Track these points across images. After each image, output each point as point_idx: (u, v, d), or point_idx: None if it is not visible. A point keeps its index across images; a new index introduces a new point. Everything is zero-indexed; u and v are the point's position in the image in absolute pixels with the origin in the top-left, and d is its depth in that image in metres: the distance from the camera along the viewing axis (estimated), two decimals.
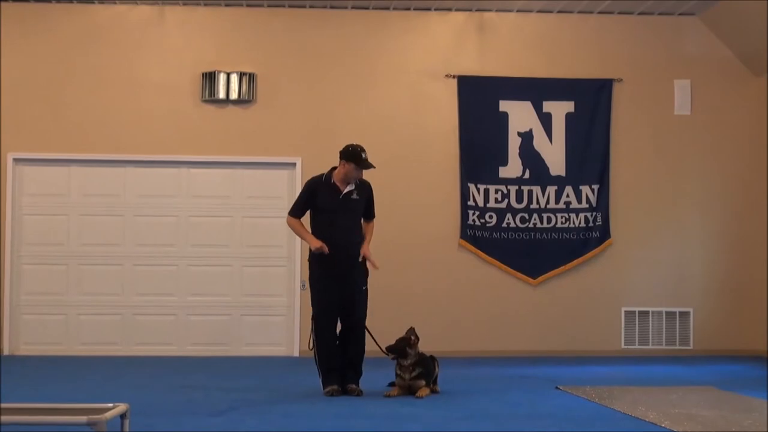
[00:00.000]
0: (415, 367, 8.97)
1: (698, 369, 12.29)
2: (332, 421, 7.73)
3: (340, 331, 9.43)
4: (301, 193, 9.80)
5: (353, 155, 9.29)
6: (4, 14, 13.88)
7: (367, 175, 9.65)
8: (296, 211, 9.57)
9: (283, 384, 10.48)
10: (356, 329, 9.38)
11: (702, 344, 14.40)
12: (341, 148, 9.50)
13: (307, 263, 9.73)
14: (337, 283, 9.26)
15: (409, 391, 8.96)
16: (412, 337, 9.06)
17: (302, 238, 9.80)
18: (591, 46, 14.51)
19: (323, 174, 9.52)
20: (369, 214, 9.69)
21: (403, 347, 9.01)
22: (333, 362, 9.21)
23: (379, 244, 14.45)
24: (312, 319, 9.41)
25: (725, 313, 14.50)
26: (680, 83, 14.61)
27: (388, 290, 13.85)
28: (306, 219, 9.70)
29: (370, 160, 9.41)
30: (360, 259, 9.34)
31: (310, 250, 9.39)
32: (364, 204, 9.55)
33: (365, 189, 9.61)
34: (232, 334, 14.10)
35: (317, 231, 9.38)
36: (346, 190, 9.37)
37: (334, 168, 9.47)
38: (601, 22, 14.50)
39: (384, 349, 9.10)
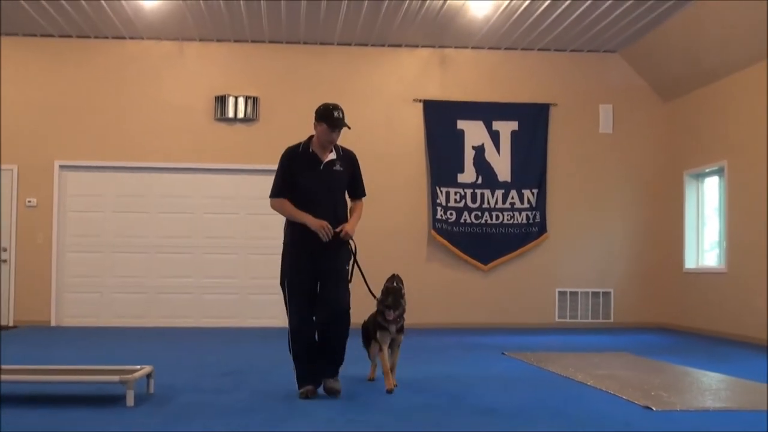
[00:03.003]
0: (399, 318, 6.94)
1: (617, 338, 12.34)
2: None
3: (321, 319, 6.73)
4: (277, 168, 6.88)
5: (324, 114, 6.71)
6: (56, 47, 13.88)
7: None
8: (277, 191, 6.83)
9: (281, 350, 10.44)
10: (337, 316, 6.66)
11: (620, 318, 14.50)
12: None
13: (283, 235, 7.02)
14: (315, 266, 6.68)
15: (393, 343, 7.00)
16: (402, 288, 7.04)
17: (295, 218, 6.72)
18: (531, 76, 14.57)
19: (300, 142, 6.89)
20: (356, 191, 6.99)
21: (398, 300, 6.90)
22: (310, 357, 6.70)
23: (365, 235, 14.40)
24: (285, 304, 6.98)
25: (639, 294, 14.62)
26: (604, 107, 14.68)
27: (369, 274, 13.79)
28: None
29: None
30: (342, 235, 6.62)
31: (285, 229, 6.90)
32: (348, 177, 6.87)
33: (349, 160, 6.91)
34: (239, 309, 14.11)
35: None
36: (326, 159, 6.75)
37: (312, 136, 6.89)
38: (540, 57, 14.56)
39: (386, 315, 6.88)
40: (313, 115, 6.82)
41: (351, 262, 6.86)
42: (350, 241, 6.79)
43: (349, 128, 6.80)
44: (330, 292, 6.70)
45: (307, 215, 6.61)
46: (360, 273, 6.79)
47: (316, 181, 6.72)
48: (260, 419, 5.71)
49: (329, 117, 6.68)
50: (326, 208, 6.67)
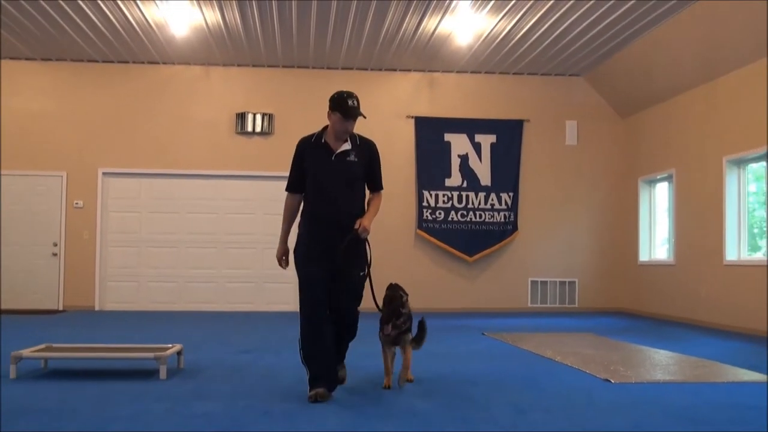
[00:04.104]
0: (403, 324, 5.74)
1: (581, 321, 12.35)
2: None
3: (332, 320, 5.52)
4: (292, 159, 5.77)
5: (338, 103, 5.55)
6: (99, 71, 13.87)
7: None
8: (291, 185, 5.69)
9: (293, 331, 10.43)
10: (343, 327, 5.60)
11: (584, 304, 14.51)
12: None
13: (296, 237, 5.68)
14: (327, 267, 5.41)
15: (403, 343, 5.87)
16: (404, 297, 5.77)
17: (281, 228, 5.71)
18: (508, 96, 14.57)
19: (314, 133, 5.75)
20: (374, 184, 5.72)
21: (397, 311, 5.66)
22: (322, 363, 5.40)
23: None
24: (300, 308, 5.56)
25: (600, 282, 14.63)
26: (570, 123, 14.69)
27: None
28: None
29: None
30: (360, 231, 5.39)
31: (302, 217, 5.61)
32: (364, 168, 5.59)
33: (366, 149, 5.66)
34: (256, 295, 14.09)
35: (306, 204, 5.60)
36: (339, 150, 5.54)
37: (326, 126, 5.73)
38: (515, 80, 14.57)
39: (383, 330, 5.69)
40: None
41: (367, 269, 5.60)
42: (367, 248, 5.58)
43: (365, 117, 5.63)
44: (340, 302, 5.48)
45: (283, 237, 5.68)
46: (370, 284, 5.61)
47: (327, 173, 5.51)
48: (276, 388, 5.73)
49: (343, 105, 5.54)
50: (339, 201, 5.46)
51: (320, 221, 5.48)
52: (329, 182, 5.50)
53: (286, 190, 5.72)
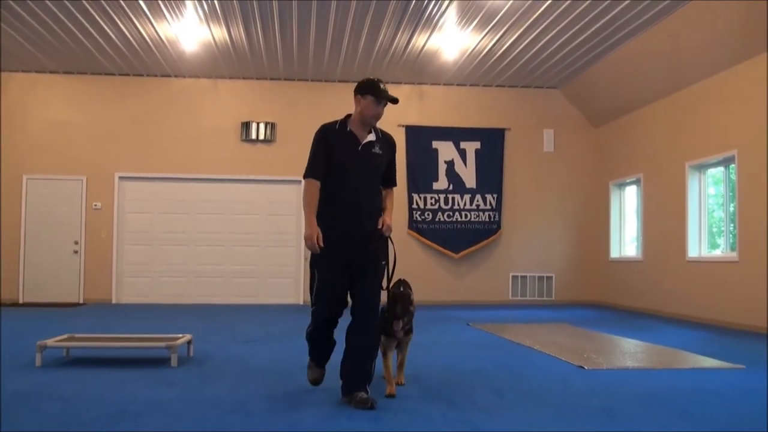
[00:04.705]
0: (409, 322, 5.09)
1: (557, 312, 12.39)
2: (339, 352, 7.67)
3: (352, 321, 4.72)
4: (313, 144, 4.85)
5: (369, 86, 4.85)
6: (116, 83, 13.86)
7: None
8: (312, 169, 4.76)
9: (293, 322, 10.47)
10: (365, 315, 4.67)
11: (560, 297, 14.54)
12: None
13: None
14: (347, 264, 4.70)
15: (401, 343, 5.23)
16: (412, 294, 5.14)
17: (305, 212, 4.72)
18: (490, 107, 14.59)
19: (335, 120, 4.95)
20: (391, 179, 5.07)
21: (407, 308, 4.98)
22: (324, 354, 5.08)
23: None
24: (311, 290, 4.86)
25: (575, 277, 14.66)
26: (547, 131, 14.73)
27: None
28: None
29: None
30: (384, 229, 4.81)
31: (317, 216, 4.69)
32: (386, 162, 4.97)
33: (389, 144, 5.02)
34: (260, 289, 14.06)
35: (327, 194, 4.75)
36: (366, 140, 4.84)
37: (349, 115, 4.97)
38: (497, 92, 14.59)
39: (394, 326, 4.94)
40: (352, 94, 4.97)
41: (391, 262, 4.95)
42: (390, 243, 4.94)
43: (397, 102, 4.95)
44: (361, 289, 4.71)
45: (312, 219, 4.66)
46: (388, 275, 4.92)
47: (353, 164, 4.77)
48: (278, 375, 5.74)
49: (376, 89, 4.84)
50: (362, 194, 4.77)
51: (341, 214, 4.73)
52: (354, 173, 4.77)
53: (307, 176, 4.77)
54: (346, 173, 4.75)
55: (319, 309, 4.81)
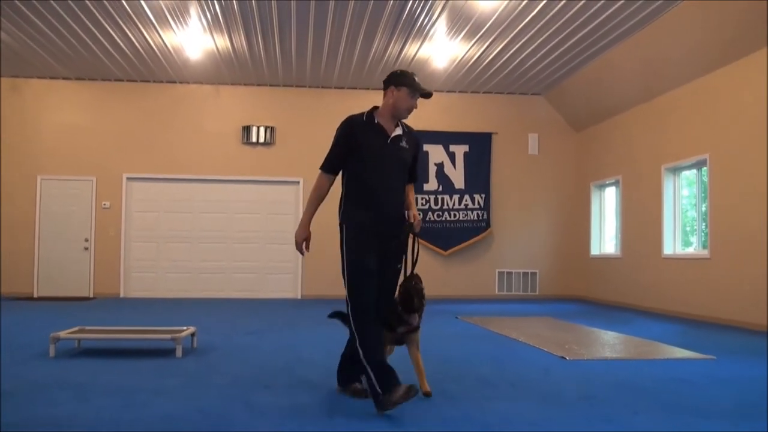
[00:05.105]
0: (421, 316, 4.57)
1: (541, 307, 12.42)
2: (334, 342, 7.70)
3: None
4: (337, 138, 4.43)
5: (404, 77, 4.48)
6: (125, 89, 13.84)
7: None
8: (330, 164, 4.41)
9: (291, 315, 10.49)
10: (386, 297, 4.39)
11: (544, 292, 14.57)
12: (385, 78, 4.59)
13: (339, 230, 4.37)
14: (377, 261, 4.28)
15: (411, 342, 4.60)
16: (424, 289, 4.53)
17: (306, 209, 4.44)
18: (478, 112, 14.61)
19: (362, 112, 4.52)
20: (414, 174, 4.67)
21: (422, 303, 4.50)
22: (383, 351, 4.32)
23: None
24: (349, 309, 4.24)
25: (558, 273, 14.69)
26: (532, 135, 14.76)
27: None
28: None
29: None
30: (416, 225, 4.45)
31: (344, 211, 4.36)
32: (412, 157, 4.57)
33: (414, 139, 4.64)
34: (260, 284, 14.04)
35: (353, 190, 4.36)
36: (394, 134, 4.46)
37: (376, 107, 4.56)
38: (485, 98, 14.61)
39: (410, 319, 4.49)
40: (382, 85, 4.58)
41: (415, 254, 4.61)
42: (416, 243, 4.62)
43: (430, 96, 4.58)
44: (385, 298, 4.39)
45: (308, 219, 4.41)
46: (412, 261, 4.58)
47: (384, 157, 4.37)
48: (278, 363, 5.76)
49: (411, 80, 4.45)
50: (392, 189, 4.38)
51: (373, 208, 4.31)
52: (385, 167, 4.35)
53: (324, 169, 4.41)
54: (378, 167, 4.33)
55: (362, 294, 4.20)
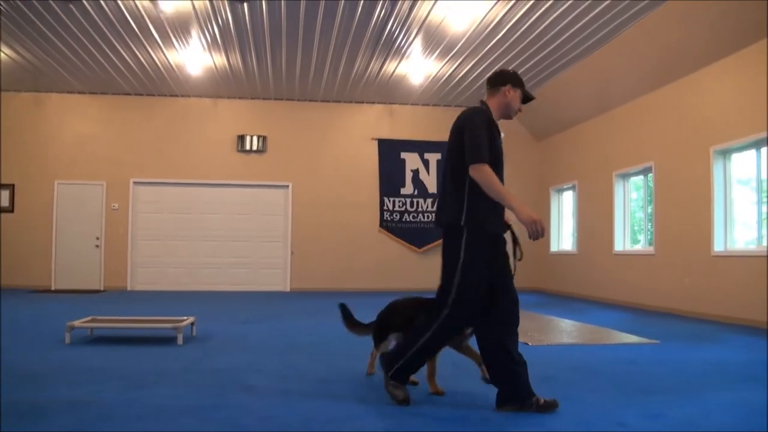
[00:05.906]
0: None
1: None
2: (321, 331, 7.69)
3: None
4: (479, 125, 3.58)
5: (520, 80, 3.78)
6: (132, 102, 13.72)
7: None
8: (487, 152, 3.54)
9: (281, 307, 10.47)
10: (514, 311, 4.03)
11: (516, 284, 14.57)
12: (491, 75, 3.82)
13: (455, 232, 3.78)
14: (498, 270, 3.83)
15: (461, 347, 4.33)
16: None
17: (502, 196, 3.57)
18: (451, 123, 14.35)
19: (480, 108, 3.71)
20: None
21: None
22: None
23: (337, 229, 14.39)
24: (446, 315, 3.70)
25: (521, 267, 14.54)
26: None
27: (337, 254, 13.88)
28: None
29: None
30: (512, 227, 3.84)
31: (473, 216, 3.66)
32: None
33: None
34: (253, 278, 13.98)
35: (481, 196, 3.60)
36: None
37: (484, 104, 3.75)
38: (457, 111, 14.16)
39: (468, 333, 4.18)
40: (486, 83, 3.84)
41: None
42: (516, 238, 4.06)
43: (533, 98, 3.86)
44: (509, 285, 3.98)
45: (517, 199, 3.55)
46: (518, 253, 4.09)
47: (501, 155, 3.69)
48: (270, 350, 5.74)
49: (524, 84, 3.80)
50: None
51: (502, 213, 3.74)
52: (502, 171, 3.68)
53: (484, 160, 3.52)
54: (500, 165, 3.65)
55: (470, 309, 3.71)
